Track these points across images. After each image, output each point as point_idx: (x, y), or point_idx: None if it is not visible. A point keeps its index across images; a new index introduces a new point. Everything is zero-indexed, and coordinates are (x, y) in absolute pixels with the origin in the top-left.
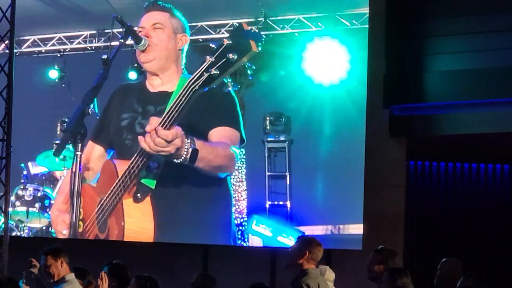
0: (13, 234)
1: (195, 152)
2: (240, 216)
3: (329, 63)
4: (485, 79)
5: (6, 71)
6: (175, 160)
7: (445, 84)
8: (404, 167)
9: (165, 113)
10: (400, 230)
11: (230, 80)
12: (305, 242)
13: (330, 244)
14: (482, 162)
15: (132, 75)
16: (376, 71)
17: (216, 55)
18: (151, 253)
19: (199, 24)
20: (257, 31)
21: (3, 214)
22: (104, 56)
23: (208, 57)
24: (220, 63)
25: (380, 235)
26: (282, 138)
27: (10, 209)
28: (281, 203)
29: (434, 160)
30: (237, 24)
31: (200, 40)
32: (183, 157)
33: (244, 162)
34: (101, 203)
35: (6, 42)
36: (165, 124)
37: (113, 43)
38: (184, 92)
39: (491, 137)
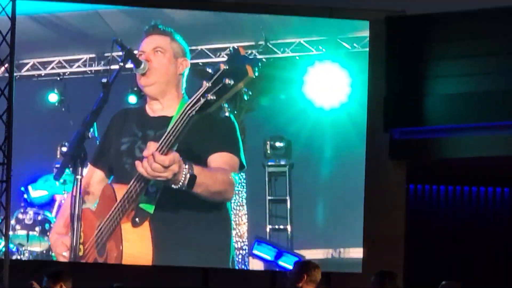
0: (13, 257)
1: (193, 178)
2: (240, 240)
3: (330, 87)
4: (485, 103)
5: (6, 94)
6: (173, 186)
7: (445, 107)
8: (404, 190)
9: (163, 138)
10: (400, 253)
11: (227, 106)
12: (303, 265)
13: (329, 267)
14: (482, 185)
15: (132, 99)
16: (376, 95)
17: (212, 80)
18: (151, 276)
19: (199, 47)
20: (256, 55)
21: (3, 238)
22: (104, 80)
23: (204, 82)
24: (216, 89)
25: (380, 258)
26: (282, 163)
27: (11, 232)
28: (281, 227)
29: (434, 184)
30: (234, 48)
31: (200, 64)
32: (181, 183)
33: (245, 186)
34: (99, 227)
35: (6, 65)
36: (162, 149)
37: (112, 67)
38: (181, 117)
39: (490, 160)
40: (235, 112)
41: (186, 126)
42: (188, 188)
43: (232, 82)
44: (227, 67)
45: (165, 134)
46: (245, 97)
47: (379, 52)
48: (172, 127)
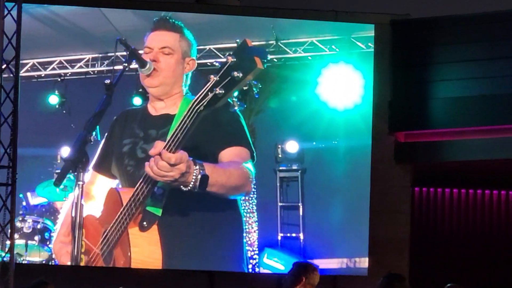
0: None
1: (205, 178)
2: (251, 249)
3: (343, 89)
4: (490, 106)
5: (11, 97)
6: (183, 188)
7: (450, 110)
8: (409, 193)
9: (170, 136)
10: (405, 256)
11: (236, 99)
12: (301, 268)
13: (335, 269)
14: (487, 188)
15: (137, 101)
16: (382, 98)
17: (220, 74)
18: (156, 279)
19: (207, 47)
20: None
21: (8, 241)
22: (107, 81)
23: (212, 76)
24: (224, 82)
25: (385, 261)
26: (294, 167)
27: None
28: (293, 235)
29: (439, 186)
30: (241, 40)
31: (208, 63)
32: (191, 185)
33: (255, 192)
34: (105, 234)
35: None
36: (170, 147)
37: (116, 67)
38: (188, 114)
39: (495, 163)
40: (245, 105)
41: (194, 123)
42: (201, 189)
43: (240, 75)
44: (235, 60)
45: (172, 132)
46: (255, 90)
47: (384, 55)
48: (180, 124)
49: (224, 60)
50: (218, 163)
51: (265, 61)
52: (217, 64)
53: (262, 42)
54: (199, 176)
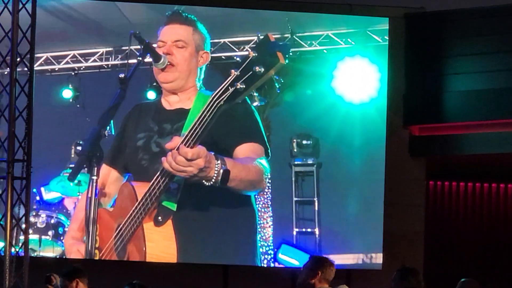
0: None
1: (226, 173)
2: (266, 244)
3: (359, 82)
4: (504, 99)
5: (26, 91)
6: (205, 183)
7: (464, 103)
8: (423, 186)
9: (188, 130)
10: (419, 249)
11: (257, 94)
12: (318, 262)
13: (351, 265)
14: (501, 181)
15: (151, 95)
16: (396, 91)
17: (241, 68)
18: (170, 273)
19: (222, 40)
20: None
21: (23, 235)
22: (121, 75)
23: (233, 70)
24: (246, 77)
25: (400, 254)
26: (310, 162)
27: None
28: (309, 230)
29: (454, 180)
30: (262, 36)
31: (223, 57)
32: (213, 180)
33: (270, 187)
34: (119, 229)
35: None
36: (188, 142)
37: (130, 61)
38: (208, 108)
39: (510, 156)
40: (266, 101)
41: (214, 117)
42: (222, 184)
43: (262, 70)
44: (256, 54)
45: (191, 126)
46: (277, 85)
47: (398, 49)
48: (199, 119)
49: (241, 53)
50: (233, 158)
51: (288, 56)
52: (237, 58)
53: (277, 36)
54: (221, 171)
